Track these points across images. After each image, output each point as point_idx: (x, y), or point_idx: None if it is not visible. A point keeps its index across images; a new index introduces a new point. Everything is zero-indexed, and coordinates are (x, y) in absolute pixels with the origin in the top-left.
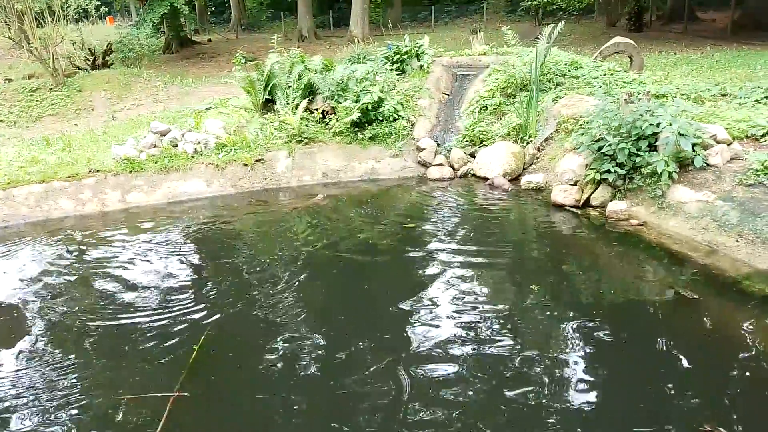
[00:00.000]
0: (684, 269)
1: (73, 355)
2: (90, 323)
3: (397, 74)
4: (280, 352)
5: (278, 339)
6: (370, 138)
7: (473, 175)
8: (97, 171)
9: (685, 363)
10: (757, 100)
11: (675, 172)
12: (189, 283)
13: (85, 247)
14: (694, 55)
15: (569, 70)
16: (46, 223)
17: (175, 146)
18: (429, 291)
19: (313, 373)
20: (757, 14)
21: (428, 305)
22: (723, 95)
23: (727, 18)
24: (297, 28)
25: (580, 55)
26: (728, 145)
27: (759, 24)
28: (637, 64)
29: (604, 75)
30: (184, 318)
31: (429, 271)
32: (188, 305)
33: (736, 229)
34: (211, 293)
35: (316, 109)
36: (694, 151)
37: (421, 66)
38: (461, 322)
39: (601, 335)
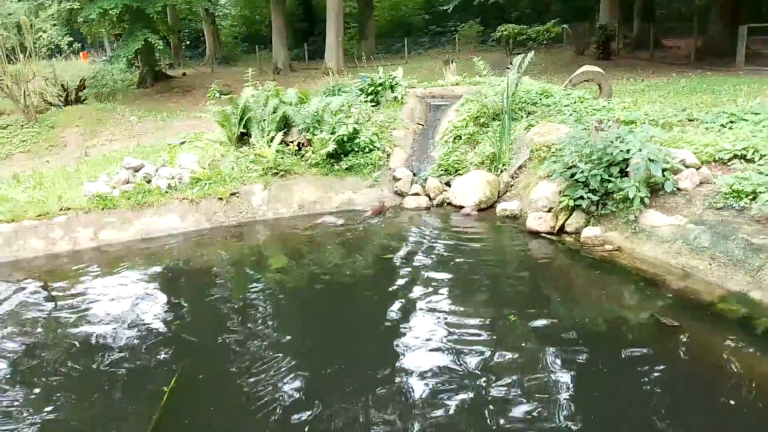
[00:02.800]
0: (660, 293)
1: (39, 399)
2: (57, 365)
3: (372, 105)
4: (256, 393)
5: (253, 379)
6: (346, 169)
7: (449, 203)
8: (69, 209)
9: (664, 390)
10: (722, 125)
11: (646, 197)
12: (161, 321)
13: (54, 287)
14: (660, 81)
15: (540, 99)
16: (15, 263)
17: (149, 182)
18: (406, 322)
19: (291, 414)
20: (718, 41)
21: (406, 337)
22: (690, 120)
23: (690, 45)
24: (272, 61)
25: (550, 83)
26: (697, 169)
27: (721, 51)
28: (605, 91)
29: (575, 103)
30: (156, 359)
31: (406, 303)
32: (160, 345)
33: (708, 252)
34: (183, 332)
35: (292, 142)
36: (664, 175)
37: (396, 97)
38: (440, 353)
39: (581, 365)
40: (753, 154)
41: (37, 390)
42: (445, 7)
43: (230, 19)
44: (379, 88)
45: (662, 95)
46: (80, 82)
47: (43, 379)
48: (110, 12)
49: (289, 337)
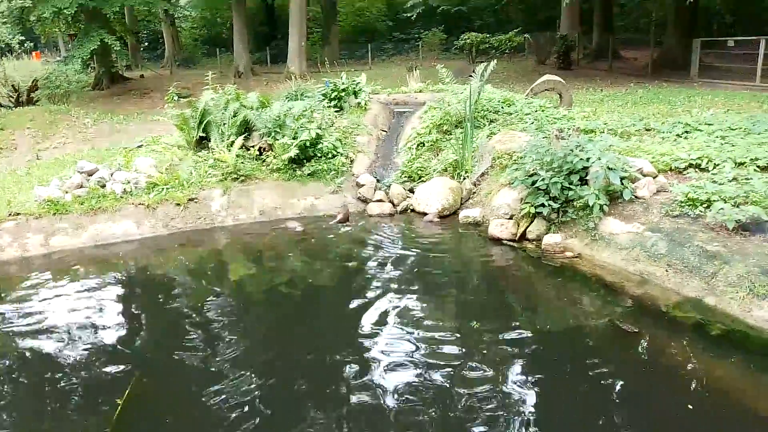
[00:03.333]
0: (619, 300)
1: None
2: (3, 378)
3: (335, 111)
4: (213, 406)
5: (210, 392)
6: (309, 174)
7: (413, 210)
8: (18, 214)
9: (623, 395)
10: (678, 135)
11: (605, 204)
12: (114, 332)
13: (1, 295)
14: (619, 91)
15: (502, 107)
16: None
17: (103, 186)
18: (370, 332)
19: (248, 424)
20: (673, 53)
21: (370, 347)
22: (647, 130)
23: (647, 56)
24: (233, 64)
25: (512, 92)
26: (654, 177)
27: (676, 63)
28: (566, 100)
29: (536, 111)
30: (108, 371)
31: (370, 312)
32: (113, 356)
33: (664, 258)
34: (137, 342)
35: (253, 146)
36: (622, 184)
37: (359, 103)
38: (404, 363)
39: (543, 371)
40: (707, 163)
41: None
42: (409, 15)
43: (190, 21)
44: (343, 94)
45: (620, 105)
46: (32, 82)
47: None
48: (65, 11)
49: (248, 348)
